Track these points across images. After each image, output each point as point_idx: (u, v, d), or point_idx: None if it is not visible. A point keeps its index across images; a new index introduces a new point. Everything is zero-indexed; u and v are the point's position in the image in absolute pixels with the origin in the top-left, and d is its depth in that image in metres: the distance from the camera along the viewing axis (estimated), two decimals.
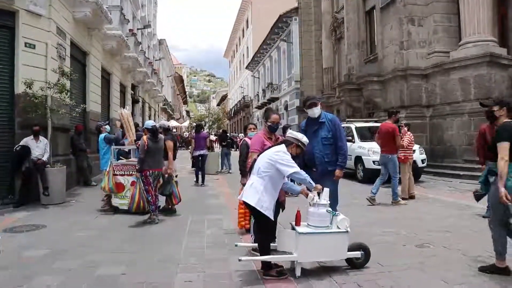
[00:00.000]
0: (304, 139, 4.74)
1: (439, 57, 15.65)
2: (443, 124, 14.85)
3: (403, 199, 9.72)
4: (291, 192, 5.05)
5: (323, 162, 5.51)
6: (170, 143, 8.47)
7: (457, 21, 15.73)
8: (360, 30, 21.85)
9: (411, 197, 9.95)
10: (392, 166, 9.43)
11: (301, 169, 4.70)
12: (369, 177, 12.90)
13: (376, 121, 16.51)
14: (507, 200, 4.23)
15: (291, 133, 4.84)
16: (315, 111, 5.61)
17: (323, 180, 5.25)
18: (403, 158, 10.04)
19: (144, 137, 7.68)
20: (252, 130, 7.27)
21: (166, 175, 8.29)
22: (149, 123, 7.96)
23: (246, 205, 4.63)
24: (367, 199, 9.40)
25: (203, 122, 29.34)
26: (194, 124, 45.02)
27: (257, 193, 4.49)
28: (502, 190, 4.25)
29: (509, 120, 4.56)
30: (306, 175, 4.60)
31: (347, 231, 4.66)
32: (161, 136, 8.13)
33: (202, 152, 13.95)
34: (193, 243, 6.18)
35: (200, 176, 13.71)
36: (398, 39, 16.69)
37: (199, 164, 13.95)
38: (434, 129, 15.11)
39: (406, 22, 16.43)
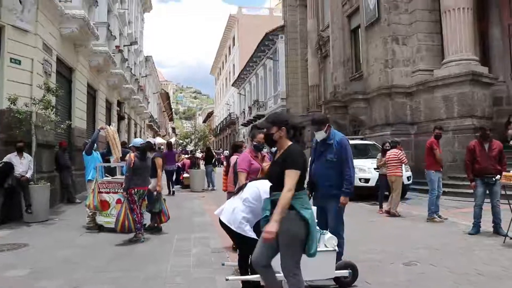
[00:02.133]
0: None
1: (423, 75, 15.87)
2: (425, 141, 14.98)
3: (389, 213, 9.86)
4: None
5: (325, 185, 5.21)
6: (159, 161, 8.46)
7: (440, 40, 16.02)
8: (346, 48, 22.12)
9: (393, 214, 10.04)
10: (428, 181, 9.45)
11: (310, 188, 5.17)
12: (356, 194, 12.87)
13: (361, 139, 16.61)
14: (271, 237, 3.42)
15: None
16: (318, 136, 5.32)
17: (326, 203, 5.17)
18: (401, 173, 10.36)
19: (132, 154, 7.61)
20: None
21: (155, 193, 8.23)
22: (138, 141, 7.93)
23: (223, 226, 4.49)
24: (430, 220, 9.23)
25: (188, 139, 29.09)
26: (178, 141, 44.79)
27: (238, 217, 4.37)
28: (275, 226, 3.41)
29: (293, 143, 3.76)
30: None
31: (334, 250, 4.63)
32: (148, 154, 8.07)
33: (171, 167, 16.22)
34: (179, 262, 6.10)
35: (171, 187, 16.08)
36: (383, 57, 16.92)
37: (170, 177, 16.34)
38: (418, 146, 15.20)
39: (390, 41, 16.69)
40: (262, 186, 4.49)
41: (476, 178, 7.83)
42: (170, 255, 6.48)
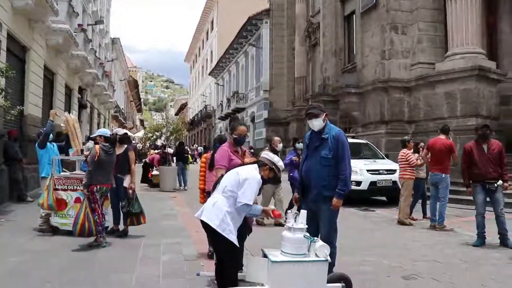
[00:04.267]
0: (280, 163, 4.63)
1: (423, 69, 15.95)
2: (426, 142, 15.02)
3: (402, 223, 9.91)
4: (253, 215, 4.87)
5: (318, 186, 5.10)
6: (132, 154, 8.36)
7: (443, 31, 16.11)
8: (338, 37, 22.11)
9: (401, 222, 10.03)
10: (445, 186, 9.40)
11: (301, 189, 5.17)
12: (347, 198, 12.75)
13: (353, 137, 16.56)
14: None
15: (266, 154, 4.74)
16: (315, 124, 5.17)
17: (318, 207, 5.08)
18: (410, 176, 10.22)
19: (97, 146, 7.38)
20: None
21: (131, 191, 8.10)
22: (106, 131, 7.78)
23: (205, 227, 4.43)
24: (433, 227, 9.36)
25: (159, 132, 28.82)
26: (149, 135, 44.34)
27: (220, 213, 4.31)
28: None
29: None
30: (258, 209, 4.49)
31: (326, 260, 4.50)
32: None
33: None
34: (146, 271, 5.91)
35: None
36: (380, 47, 16.94)
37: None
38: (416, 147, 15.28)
39: (388, 29, 16.71)
40: (243, 171, 4.40)
41: (475, 184, 7.82)
42: (136, 264, 6.28)
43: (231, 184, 4.40)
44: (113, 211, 8.41)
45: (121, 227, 8.29)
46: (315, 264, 4.44)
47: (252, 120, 38.30)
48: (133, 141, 23.16)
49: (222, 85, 52.24)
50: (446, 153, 9.39)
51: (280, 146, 9.80)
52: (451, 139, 10.06)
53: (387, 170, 12.96)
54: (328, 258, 4.51)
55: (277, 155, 5.65)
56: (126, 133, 8.45)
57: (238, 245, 4.38)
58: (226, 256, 4.44)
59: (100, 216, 7.30)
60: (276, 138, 10.03)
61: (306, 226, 4.59)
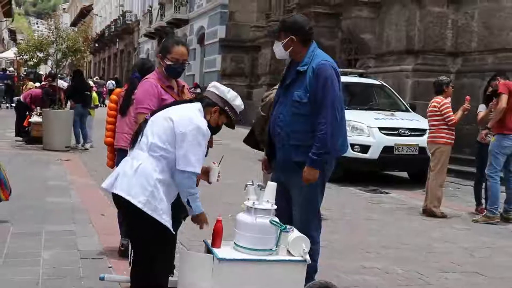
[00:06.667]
0: (236, 101, 4.59)
1: None
2: (478, 86, 15.20)
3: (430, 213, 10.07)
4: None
5: (286, 146, 5.16)
6: None
7: None
8: None
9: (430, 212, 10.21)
10: (492, 155, 9.74)
11: (269, 149, 5.38)
12: (346, 171, 12.70)
13: (361, 75, 16.47)
14: None
15: (215, 87, 4.65)
16: (275, 50, 5.33)
17: (289, 178, 5.19)
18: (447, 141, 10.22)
19: None
20: None
21: None
22: None
23: (121, 206, 4.43)
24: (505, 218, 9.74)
25: (43, 53, 28.13)
26: (25, 57, 43.92)
27: (148, 183, 4.23)
28: None
29: None
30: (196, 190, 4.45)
31: (304, 261, 4.64)
32: None
33: None
34: (16, 275, 5.94)
35: None
36: None
37: None
38: (461, 93, 15.41)
39: None
40: (179, 115, 4.36)
41: None
42: None
43: (162, 136, 4.30)
44: None
45: None
46: (287, 266, 4.59)
47: (200, 40, 38.11)
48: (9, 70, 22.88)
49: None
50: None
51: None
52: None
53: (411, 130, 13.12)
54: (307, 258, 4.64)
55: None
56: None
57: (172, 231, 4.43)
58: (153, 250, 4.42)
59: None
60: None
61: (275, 206, 4.69)
